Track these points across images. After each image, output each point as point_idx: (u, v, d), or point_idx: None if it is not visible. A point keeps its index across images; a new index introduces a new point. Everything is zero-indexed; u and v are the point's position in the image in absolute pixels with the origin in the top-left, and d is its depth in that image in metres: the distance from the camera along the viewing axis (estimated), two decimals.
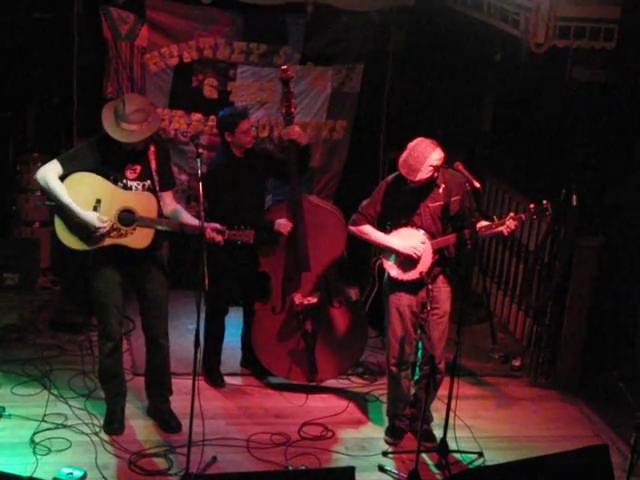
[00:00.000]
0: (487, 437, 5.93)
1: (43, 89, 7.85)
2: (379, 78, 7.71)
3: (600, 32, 6.10)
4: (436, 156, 5.31)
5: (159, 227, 5.34)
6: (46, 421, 5.63)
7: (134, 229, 5.30)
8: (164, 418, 5.75)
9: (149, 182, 5.36)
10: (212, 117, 7.17)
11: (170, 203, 5.45)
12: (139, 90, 7.16)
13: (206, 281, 4.92)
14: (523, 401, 6.55)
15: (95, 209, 5.25)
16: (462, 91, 8.01)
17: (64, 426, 5.62)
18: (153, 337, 5.66)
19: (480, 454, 5.70)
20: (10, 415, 5.68)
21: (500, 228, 5.52)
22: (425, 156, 5.28)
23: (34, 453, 5.32)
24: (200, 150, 5.34)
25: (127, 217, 5.29)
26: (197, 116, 7.34)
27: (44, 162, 7.44)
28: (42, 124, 7.92)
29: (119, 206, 5.28)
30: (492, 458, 5.65)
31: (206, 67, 7.29)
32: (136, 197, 5.33)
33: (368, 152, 7.87)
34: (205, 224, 5.29)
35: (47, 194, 5.30)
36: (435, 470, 5.57)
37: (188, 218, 5.42)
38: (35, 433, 5.50)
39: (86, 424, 5.66)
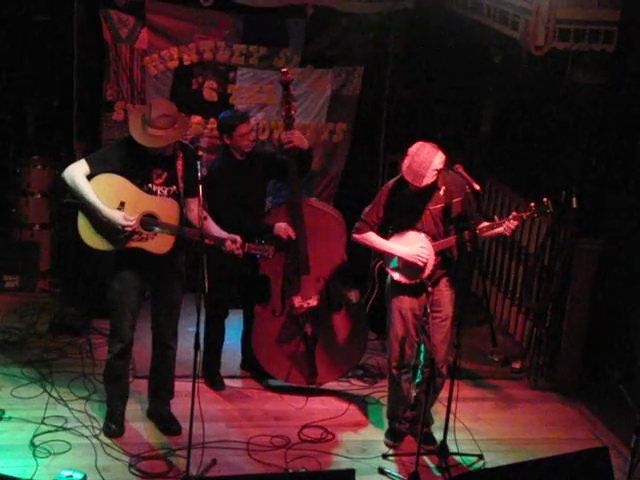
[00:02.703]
0: (487, 439, 5.92)
1: (43, 91, 7.85)
2: (379, 80, 7.71)
3: (600, 34, 6.10)
4: (439, 160, 5.34)
5: (179, 234, 5.33)
6: (46, 424, 5.62)
7: (155, 234, 5.31)
8: (164, 421, 5.75)
9: (174, 187, 5.35)
10: (212, 120, 7.18)
11: (195, 209, 5.33)
12: (139, 93, 7.17)
13: (206, 284, 4.92)
14: (523, 403, 6.55)
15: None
16: (462, 93, 8.01)
17: (64, 429, 5.61)
18: (161, 338, 5.67)
19: (480, 456, 5.69)
20: (10, 418, 5.68)
21: (500, 228, 5.52)
22: (429, 161, 5.30)
23: (34, 456, 5.32)
24: (200, 153, 5.32)
25: (149, 222, 5.30)
26: (197, 119, 7.35)
27: (44, 164, 7.59)
28: (42, 127, 7.93)
29: (142, 210, 5.28)
30: (492, 460, 5.64)
31: (206, 70, 7.31)
32: (160, 202, 5.33)
33: (368, 154, 7.88)
34: (225, 235, 5.37)
35: (73, 192, 5.29)
36: (435, 472, 5.56)
37: (211, 227, 5.41)
38: (35, 436, 5.49)
39: (86, 427, 5.65)
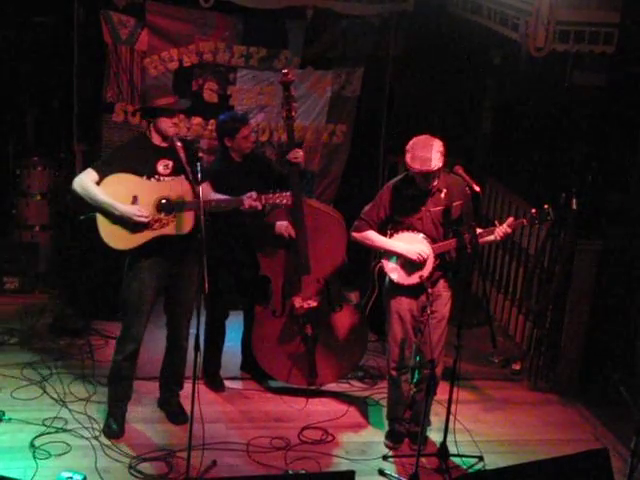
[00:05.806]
0: (487, 441, 5.92)
1: (43, 93, 7.85)
2: (379, 82, 7.72)
3: (600, 36, 6.12)
4: (439, 143, 5.35)
5: (197, 208, 5.32)
6: (46, 425, 5.63)
7: (174, 216, 5.37)
8: (172, 410, 5.87)
9: (183, 176, 5.40)
10: (212, 121, 7.18)
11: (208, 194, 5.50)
12: (139, 94, 7.17)
13: (206, 285, 4.93)
14: (523, 405, 6.54)
15: None
16: (462, 95, 8.02)
17: (64, 430, 5.61)
18: (175, 338, 5.77)
19: (480, 458, 5.69)
20: (10, 419, 5.68)
21: (491, 236, 5.52)
22: (430, 144, 5.32)
23: (34, 457, 5.32)
24: (200, 154, 5.38)
25: (166, 205, 5.37)
26: (197, 120, 7.35)
27: (44, 166, 7.59)
28: (42, 128, 7.94)
29: (155, 197, 5.35)
30: (492, 462, 5.63)
31: (206, 71, 7.31)
32: (169, 184, 5.39)
33: (368, 156, 7.88)
34: (242, 197, 5.45)
35: (86, 199, 5.35)
36: (435, 474, 5.55)
37: (221, 196, 5.50)
38: (35, 437, 5.50)
39: (86, 428, 5.65)
